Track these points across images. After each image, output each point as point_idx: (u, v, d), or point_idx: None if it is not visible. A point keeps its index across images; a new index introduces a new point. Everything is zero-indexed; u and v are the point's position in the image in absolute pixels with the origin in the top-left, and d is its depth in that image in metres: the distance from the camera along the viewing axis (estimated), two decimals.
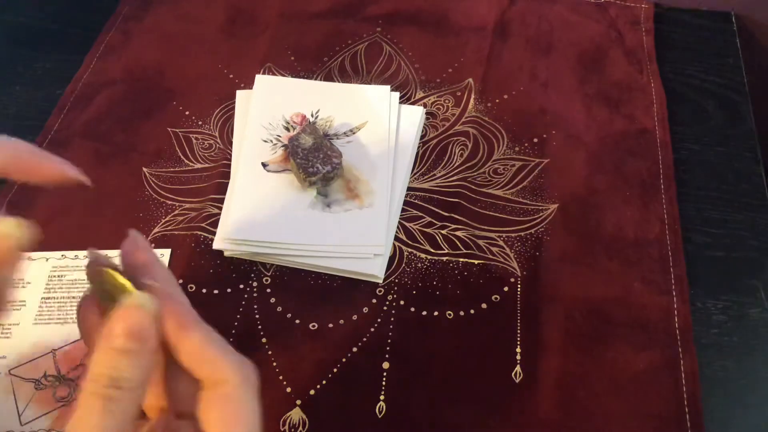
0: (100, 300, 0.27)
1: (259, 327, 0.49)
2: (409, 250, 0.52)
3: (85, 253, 0.52)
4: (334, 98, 0.59)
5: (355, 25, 0.68)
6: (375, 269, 0.50)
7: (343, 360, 0.47)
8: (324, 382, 0.46)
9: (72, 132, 0.60)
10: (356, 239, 0.51)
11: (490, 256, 0.51)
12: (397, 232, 0.53)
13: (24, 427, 0.44)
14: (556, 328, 0.48)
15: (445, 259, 0.51)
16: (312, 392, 0.46)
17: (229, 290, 0.50)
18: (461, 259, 0.51)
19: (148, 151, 0.58)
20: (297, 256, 0.51)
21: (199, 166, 0.57)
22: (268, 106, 0.59)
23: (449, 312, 0.49)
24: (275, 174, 0.55)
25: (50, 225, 0.54)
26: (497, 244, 0.52)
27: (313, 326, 0.49)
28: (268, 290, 0.50)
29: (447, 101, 0.61)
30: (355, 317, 0.49)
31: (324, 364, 0.47)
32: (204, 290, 0.50)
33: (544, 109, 0.60)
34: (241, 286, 0.51)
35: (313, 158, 0.53)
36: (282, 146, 0.56)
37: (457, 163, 0.57)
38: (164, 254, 0.52)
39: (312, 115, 0.58)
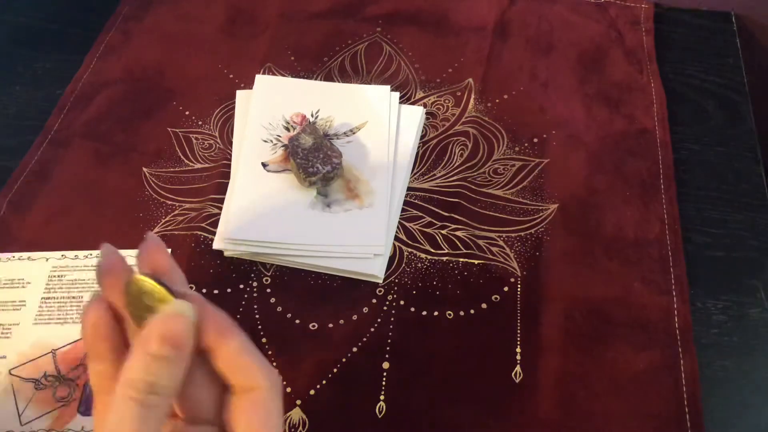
0: (128, 306, 0.27)
1: (259, 327, 0.49)
2: (409, 250, 0.52)
3: (85, 253, 0.53)
4: (334, 98, 0.59)
5: (355, 25, 0.68)
6: (375, 269, 0.50)
7: (343, 360, 0.47)
8: (324, 382, 0.46)
9: (72, 132, 0.60)
10: (356, 239, 0.51)
11: (490, 256, 0.51)
12: (397, 232, 0.53)
13: (24, 427, 0.44)
14: (556, 328, 0.48)
15: (445, 259, 0.51)
16: (312, 392, 0.46)
17: (229, 290, 0.50)
18: (461, 259, 0.51)
19: (148, 151, 0.58)
20: (297, 256, 0.51)
21: (199, 166, 0.57)
22: (268, 106, 0.59)
23: (449, 312, 0.49)
24: (275, 174, 0.55)
25: (50, 225, 0.54)
26: (497, 244, 0.52)
27: (313, 326, 0.49)
28: (268, 290, 0.50)
29: (447, 101, 0.61)
30: (355, 317, 0.49)
31: (324, 364, 0.47)
32: (204, 290, 0.50)
33: (544, 109, 0.60)
34: (241, 286, 0.51)
35: (313, 158, 0.53)
36: (282, 146, 0.56)
37: (457, 163, 0.57)
38: None
39: (312, 115, 0.58)
